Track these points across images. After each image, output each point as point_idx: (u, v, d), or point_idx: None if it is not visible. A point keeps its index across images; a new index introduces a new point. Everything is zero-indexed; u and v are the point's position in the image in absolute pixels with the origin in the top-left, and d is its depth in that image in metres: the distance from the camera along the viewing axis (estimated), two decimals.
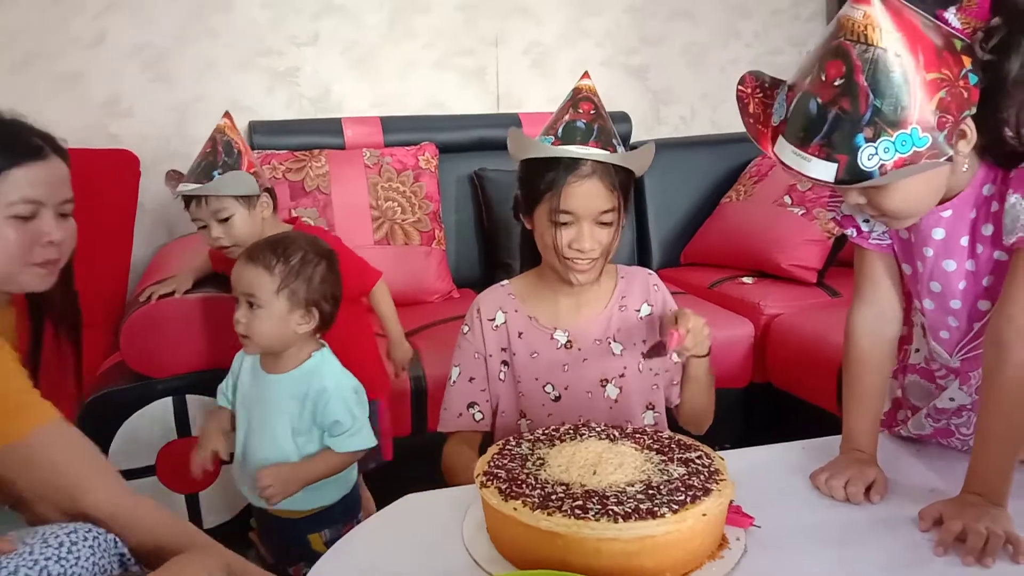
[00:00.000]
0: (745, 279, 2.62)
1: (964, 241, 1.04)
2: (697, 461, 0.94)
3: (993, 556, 0.88)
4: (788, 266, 2.55)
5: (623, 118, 3.00)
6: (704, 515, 0.85)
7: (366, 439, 1.41)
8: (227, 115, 1.82)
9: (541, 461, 0.97)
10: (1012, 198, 0.97)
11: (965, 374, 1.11)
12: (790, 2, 3.31)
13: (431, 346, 2.19)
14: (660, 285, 1.43)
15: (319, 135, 2.71)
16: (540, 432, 1.05)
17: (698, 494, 0.87)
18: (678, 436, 1.02)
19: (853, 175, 0.88)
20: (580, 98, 1.25)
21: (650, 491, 0.88)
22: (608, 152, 1.23)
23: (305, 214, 2.50)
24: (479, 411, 1.38)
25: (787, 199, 2.66)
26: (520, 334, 1.36)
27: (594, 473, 0.93)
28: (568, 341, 1.36)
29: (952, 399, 1.14)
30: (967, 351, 1.10)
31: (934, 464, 1.16)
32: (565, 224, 1.24)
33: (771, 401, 2.41)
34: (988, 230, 1.03)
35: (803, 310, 2.39)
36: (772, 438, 1.32)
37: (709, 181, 2.95)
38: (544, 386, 1.35)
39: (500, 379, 1.37)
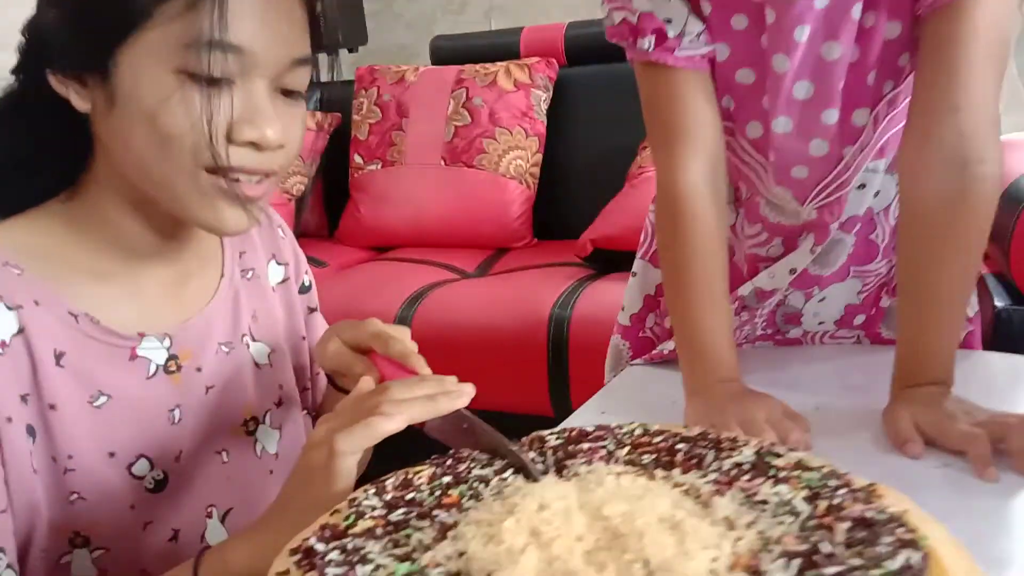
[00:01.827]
0: None
1: (856, 11, 0.72)
2: (795, 471, 0.42)
3: None
4: None
5: None
6: None
7: None
8: None
9: None
10: None
11: (822, 228, 0.84)
12: None
13: None
14: (286, 228, 0.82)
15: None
16: (414, 490, 0.41)
17: (906, 545, 0.36)
18: (695, 431, 0.48)
19: None
20: None
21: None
22: None
23: None
24: (4, 563, 0.57)
25: None
26: (61, 357, 0.60)
27: None
28: (172, 357, 0.66)
29: (793, 269, 0.85)
30: (828, 194, 0.82)
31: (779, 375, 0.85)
32: (218, 83, 0.56)
33: None
34: None
35: None
36: None
37: None
38: (130, 466, 0.64)
39: (32, 469, 0.59)
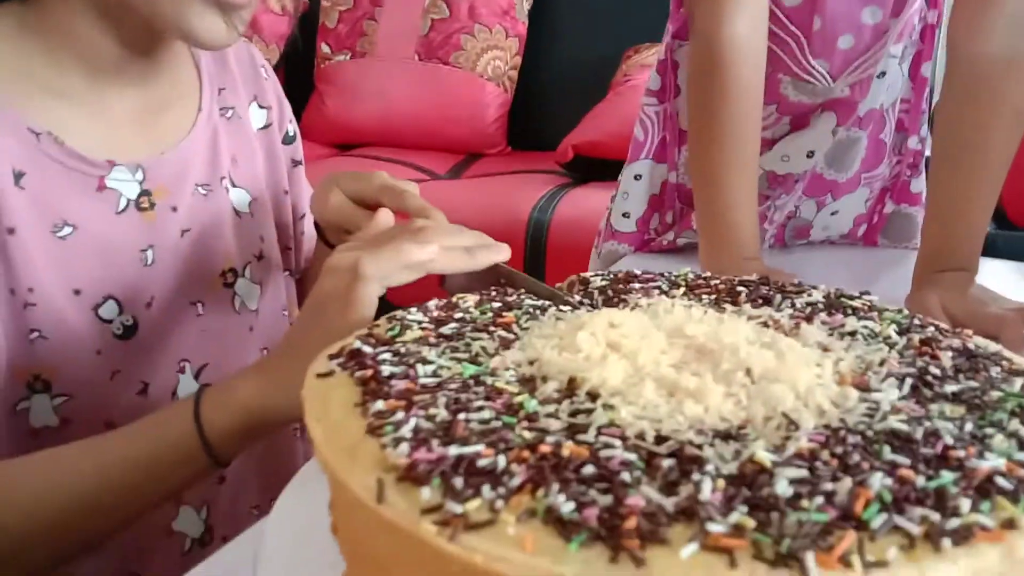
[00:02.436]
0: None
1: None
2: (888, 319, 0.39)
3: None
4: None
5: None
6: None
7: None
8: None
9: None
10: None
11: (849, 107, 0.80)
12: None
13: None
14: (268, 69, 0.74)
15: None
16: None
17: (1017, 373, 0.33)
18: (754, 277, 0.45)
19: None
20: None
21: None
22: None
23: None
24: None
25: None
26: (20, 177, 0.54)
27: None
28: (144, 193, 0.60)
29: (811, 152, 0.82)
30: (864, 68, 0.79)
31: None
32: None
33: None
34: None
35: None
36: None
37: None
38: (97, 307, 0.58)
39: None
